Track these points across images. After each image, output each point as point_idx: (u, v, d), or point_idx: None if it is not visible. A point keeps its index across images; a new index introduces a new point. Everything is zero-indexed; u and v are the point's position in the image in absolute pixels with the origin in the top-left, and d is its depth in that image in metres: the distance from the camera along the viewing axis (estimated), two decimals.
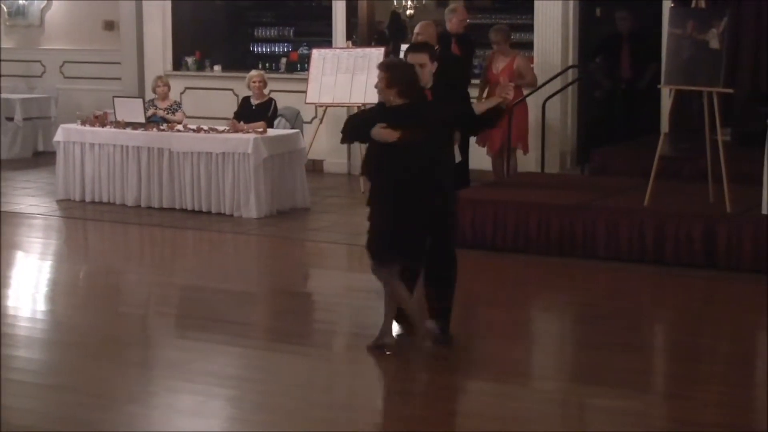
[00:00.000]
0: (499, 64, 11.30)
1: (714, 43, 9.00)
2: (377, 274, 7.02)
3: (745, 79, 11.44)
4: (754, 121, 10.18)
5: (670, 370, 7.07)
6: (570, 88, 12.31)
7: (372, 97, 12.37)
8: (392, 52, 13.36)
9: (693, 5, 9.29)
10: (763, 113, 9.38)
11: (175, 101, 12.54)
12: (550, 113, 11.97)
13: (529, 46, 12.80)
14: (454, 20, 11.11)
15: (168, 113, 12.14)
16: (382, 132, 6.75)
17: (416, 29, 10.49)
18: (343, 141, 7.43)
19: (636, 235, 9.21)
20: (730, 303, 8.38)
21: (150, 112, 12.01)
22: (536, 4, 12.48)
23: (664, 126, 10.29)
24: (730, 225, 8.93)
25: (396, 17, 15.51)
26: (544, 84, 11.95)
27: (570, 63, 12.37)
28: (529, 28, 12.84)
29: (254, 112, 11.82)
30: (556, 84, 12.05)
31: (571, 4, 12.39)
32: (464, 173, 10.20)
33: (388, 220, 6.86)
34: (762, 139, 8.96)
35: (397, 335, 7.09)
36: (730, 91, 9.18)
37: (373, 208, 6.97)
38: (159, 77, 12.56)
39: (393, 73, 6.84)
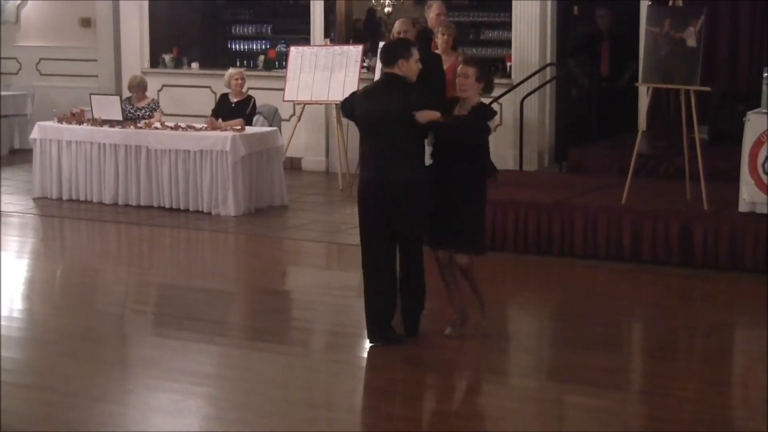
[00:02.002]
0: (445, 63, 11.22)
1: (691, 42, 9.04)
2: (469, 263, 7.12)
3: (722, 78, 11.49)
4: (731, 119, 10.21)
5: (647, 368, 7.09)
6: (548, 86, 12.33)
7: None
8: (369, 50, 13.38)
9: (670, 4, 9.33)
10: (739, 111, 9.40)
11: (152, 99, 12.49)
12: (528, 111, 11.99)
13: (506, 44, 12.82)
14: (431, 15, 11.09)
15: (146, 113, 12.07)
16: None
17: (396, 27, 10.50)
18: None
19: (613, 232, 9.24)
20: (706, 300, 8.42)
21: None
22: (514, 2, 12.48)
23: (642, 124, 10.32)
24: (707, 222, 8.97)
25: (372, 14, 15.51)
26: (521, 82, 11.98)
27: (548, 61, 12.40)
28: (507, 26, 12.86)
29: (233, 110, 11.80)
30: (534, 82, 12.08)
31: (549, 2, 12.41)
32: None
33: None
34: (739, 137, 9.00)
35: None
36: (707, 89, 9.22)
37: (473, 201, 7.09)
38: (135, 77, 12.48)
39: (482, 70, 7.02)
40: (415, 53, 6.98)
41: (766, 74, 8.89)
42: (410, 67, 6.94)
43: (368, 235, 7.02)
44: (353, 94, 7.34)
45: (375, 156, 6.93)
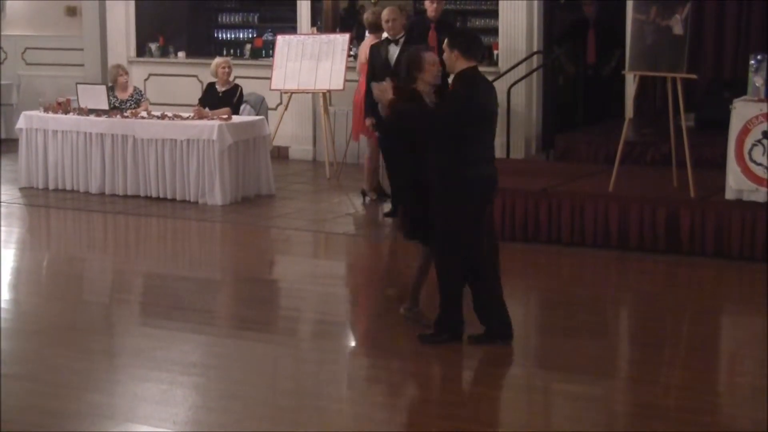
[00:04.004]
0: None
1: (677, 29, 9.04)
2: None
3: (709, 65, 11.51)
4: (717, 106, 10.24)
5: (634, 355, 7.11)
6: (535, 74, 12.32)
7: (336, 83, 12.46)
8: (356, 38, 13.35)
9: None
10: (726, 98, 9.42)
11: (135, 88, 12.42)
12: (515, 99, 11.99)
13: (493, 32, 12.80)
14: (426, 5, 11.05)
15: (130, 104, 12.02)
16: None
17: (384, 15, 10.48)
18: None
19: (600, 220, 9.25)
20: (693, 287, 8.45)
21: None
22: None
23: (629, 111, 10.33)
24: (694, 210, 8.99)
25: (354, 2, 15.42)
26: (509, 70, 11.97)
27: (534, 49, 12.38)
28: (494, 14, 12.84)
29: (220, 99, 11.76)
30: (521, 70, 12.07)
31: None
32: None
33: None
34: (725, 125, 9.02)
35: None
36: (694, 76, 9.23)
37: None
38: (116, 66, 12.40)
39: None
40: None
41: (752, 62, 8.90)
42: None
43: (474, 235, 6.79)
44: (474, 87, 6.78)
45: (491, 153, 6.85)
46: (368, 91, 10.48)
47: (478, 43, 6.83)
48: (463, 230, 6.73)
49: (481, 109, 6.72)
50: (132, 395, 6.18)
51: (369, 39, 11.29)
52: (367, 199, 11.23)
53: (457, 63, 6.73)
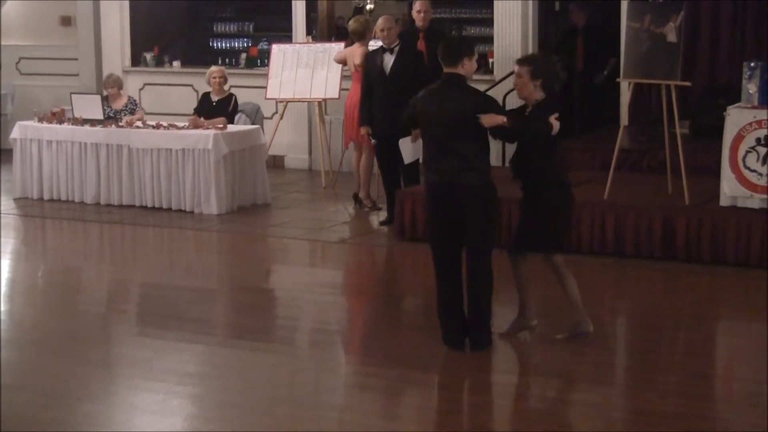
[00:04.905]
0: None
1: (671, 37, 9.07)
2: (554, 264, 7.10)
3: (703, 72, 11.54)
4: (712, 113, 10.25)
5: (631, 361, 7.11)
6: (515, 87, 12.29)
7: (332, 92, 12.47)
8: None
9: None
10: (720, 105, 9.44)
11: (129, 98, 12.42)
12: (511, 107, 11.96)
13: (488, 40, 12.82)
14: (414, 14, 11.14)
15: (125, 113, 12.02)
16: (557, 123, 6.76)
17: (379, 24, 10.52)
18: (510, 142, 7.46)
19: (596, 227, 9.26)
20: (689, 294, 8.45)
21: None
22: None
23: (624, 119, 10.35)
24: (689, 217, 9.00)
25: (359, 13, 15.47)
26: (504, 78, 11.97)
27: None
28: (489, 22, 12.87)
29: (215, 108, 11.77)
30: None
31: None
32: (417, 170, 10.20)
33: (560, 211, 7.01)
34: (720, 131, 9.03)
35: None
36: (688, 84, 9.24)
37: (544, 203, 6.95)
38: (109, 77, 12.43)
39: (537, 65, 6.92)
40: (476, 52, 6.92)
41: (745, 69, 8.91)
42: (472, 66, 6.85)
43: (433, 238, 6.95)
44: (414, 98, 7.03)
45: (438, 158, 6.81)
46: (363, 99, 10.51)
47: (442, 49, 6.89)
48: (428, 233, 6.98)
49: (414, 115, 6.94)
50: (128, 405, 6.17)
51: (355, 46, 11.33)
52: (361, 205, 11.25)
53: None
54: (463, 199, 6.74)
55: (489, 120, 6.67)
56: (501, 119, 6.70)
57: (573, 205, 7.14)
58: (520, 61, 6.98)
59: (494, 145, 11.99)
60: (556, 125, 6.72)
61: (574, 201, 7.16)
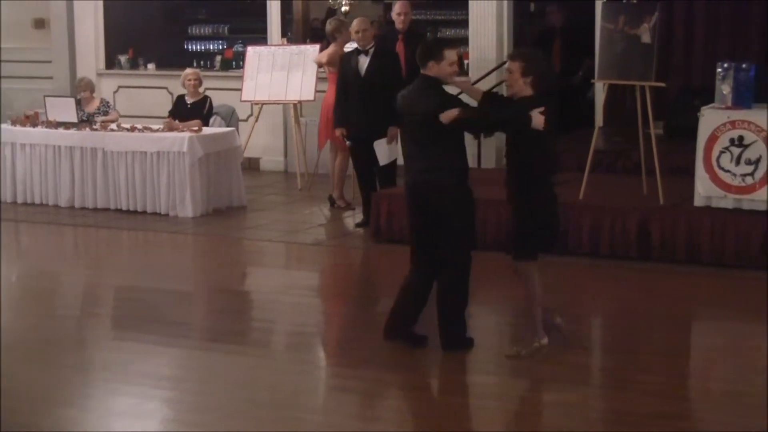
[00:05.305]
0: None
1: (646, 38, 9.11)
2: (523, 271, 6.88)
3: (678, 73, 11.58)
4: (687, 114, 10.29)
5: (607, 362, 7.13)
6: (505, 83, 12.33)
7: (307, 94, 12.45)
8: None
9: (624, 0, 9.38)
10: (695, 106, 9.48)
11: (102, 100, 12.36)
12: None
13: (464, 41, 12.83)
14: (394, 17, 11.13)
15: (98, 116, 11.96)
16: (541, 118, 6.62)
17: (354, 26, 10.51)
18: (485, 134, 7.38)
19: (572, 228, 9.28)
20: (665, 294, 8.48)
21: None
22: (471, 0, 12.50)
23: (599, 120, 10.38)
24: (664, 217, 9.04)
25: (332, 14, 15.47)
26: (479, 79, 11.97)
27: (505, 58, 12.39)
28: (464, 23, 12.88)
29: (189, 111, 11.73)
30: (492, 79, 12.09)
31: (505, 0, 12.43)
32: (392, 172, 10.21)
33: (542, 212, 6.83)
34: (694, 132, 9.07)
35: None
36: (662, 84, 9.28)
37: (526, 203, 6.81)
38: (81, 80, 12.38)
39: (529, 62, 6.79)
40: (450, 55, 6.80)
41: (719, 70, 8.96)
42: (441, 69, 6.79)
43: (411, 234, 7.01)
44: (398, 96, 7.06)
45: (412, 158, 6.85)
46: (338, 100, 10.50)
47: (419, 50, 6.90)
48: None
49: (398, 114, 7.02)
50: (104, 409, 6.14)
51: (332, 47, 11.38)
52: (336, 205, 11.28)
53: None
54: (431, 199, 6.77)
55: (446, 116, 6.64)
56: (455, 112, 6.64)
57: (552, 210, 6.88)
58: (512, 57, 6.92)
59: (469, 147, 12.05)
60: (537, 119, 6.60)
61: (555, 205, 6.92)
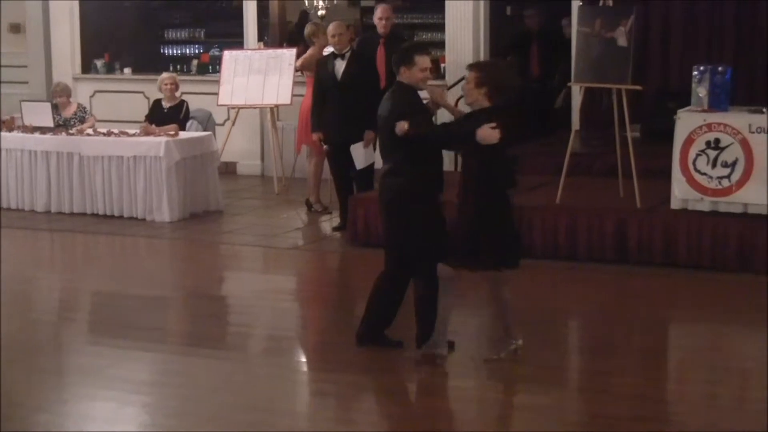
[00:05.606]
0: None
1: (622, 41, 9.14)
2: (445, 277, 6.72)
3: (654, 76, 11.63)
4: (663, 116, 10.33)
5: (584, 365, 7.15)
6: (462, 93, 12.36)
7: (284, 98, 12.43)
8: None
9: (601, 3, 9.42)
10: (672, 109, 9.52)
11: (79, 105, 12.31)
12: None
13: (440, 45, 12.85)
14: (376, 21, 11.11)
15: (74, 122, 11.92)
16: (492, 133, 6.45)
17: (330, 30, 10.51)
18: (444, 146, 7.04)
19: (548, 231, 9.30)
20: (642, 296, 8.51)
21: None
22: (447, 3, 12.52)
23: (575, 123, 10.41)
24: (641, 220, 9.07)
25: (304, 16, 15.47)
26: (456, 83, 11.99)
27: None
28: (441, 27, 12.90)
29: (166, 115, 11.70)
30: None
31: (481, 3, 12.45)
32: (369, 176, 10.22)
33: (492, 224, 6.65)
34: (671, 135, 9.11)
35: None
36: (639, 87, 9.32)
37: (473, 213, 6.65)
38: (57, 85, 12.35)
39: (484, 72, 6.69)
40: (422, 61, 6.75)
41: (695, 72, 9.00)
42: (413, 75, 6.74)
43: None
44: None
45: (383, 161, 6.90)
46: (314, 105, 10.50)
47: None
48: None
49: None
50: (81, 415, 6.11)
51: (311, 50, 11.39)
52: (313, 209, 11.29)
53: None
54: (390, 203, 6.81)
55: (398, 128, 6.61)
56: (404, 125, 6.57)
57: (495, 224, 6.64)
58: (470, 67, 6.84)
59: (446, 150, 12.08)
60: (485, 134, 6.42)
61: (500, 220, 6.67)
